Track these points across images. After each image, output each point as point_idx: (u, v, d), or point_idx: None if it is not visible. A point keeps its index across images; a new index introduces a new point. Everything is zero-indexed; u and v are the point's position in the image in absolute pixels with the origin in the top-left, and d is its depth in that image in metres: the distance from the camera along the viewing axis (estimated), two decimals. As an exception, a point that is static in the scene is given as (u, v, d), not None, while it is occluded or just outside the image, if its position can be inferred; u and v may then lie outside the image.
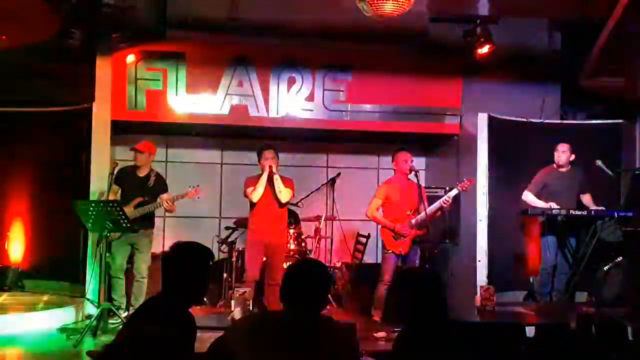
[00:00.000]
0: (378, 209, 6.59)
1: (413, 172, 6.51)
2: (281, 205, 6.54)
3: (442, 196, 6.59)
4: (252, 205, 6.56)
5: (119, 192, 6.70)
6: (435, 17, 7.57)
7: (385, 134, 8.10)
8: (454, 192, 6.52)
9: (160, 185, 6.73)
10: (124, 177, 6.68)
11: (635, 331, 4.33)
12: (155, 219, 6.97)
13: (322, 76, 7.83)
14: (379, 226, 6.67)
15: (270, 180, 6.49)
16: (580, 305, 6.96)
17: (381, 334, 6.12)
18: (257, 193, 6.46)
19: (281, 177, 6.52)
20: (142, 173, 6.71)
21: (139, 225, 6.48)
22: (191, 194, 6.61)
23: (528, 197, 7.19)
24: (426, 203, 6.51)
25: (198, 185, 6.65)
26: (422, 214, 6.42)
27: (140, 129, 7.74)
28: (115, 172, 6.59)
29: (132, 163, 6.77)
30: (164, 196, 6.61)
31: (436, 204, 6.46)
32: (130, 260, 6.73)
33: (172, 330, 2.78)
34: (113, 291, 6.61)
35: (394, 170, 6.67)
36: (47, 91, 7.64)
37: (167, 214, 8.00)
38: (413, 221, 6.45)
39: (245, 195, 6.55)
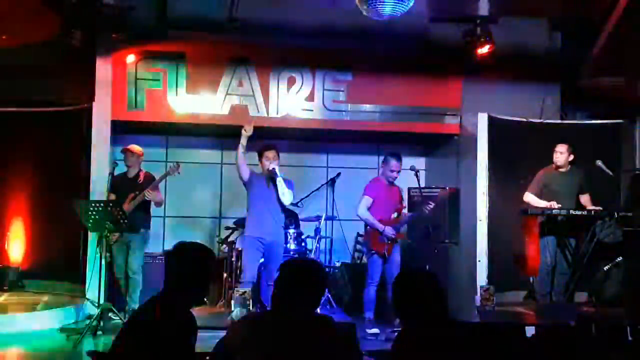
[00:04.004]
0: (369, 208, 6.62)
1: (414, 172, 6.70)
2: (279, 205, 6.55)
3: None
4: (250, 204, 6.57)
5: (115, 198, 6.74)
6: (435, 17, 7.57)
7: (385, 134, 8.10)
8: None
9: (151, 182, 6.78)
10: (117, 184, 6.77)
11: (635, 331, 4.33)
12: (155, 219, 6.96)
13: (322, 76, 7.82)
14: (368, 228, 6.69)
15: (272, 181, 6.50)
16: (580, 305, 6.96)
17: (374, 330, 6.19)
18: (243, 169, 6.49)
19: (283, 179, 6.52)
20: (131, 174, 6.86)
21: (137, 224, 6.58)
22: (172, 170, 6.69)
23: (529, 197, 7.17)
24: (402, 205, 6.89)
25: (177, 163, 6.74)
26: (402, 216, 6.74)
27: (140, 129, 7.74)
28: (109, 179, 6.69)
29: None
30: (149, 188, 6.67)
31: (407, 217, 6.91)
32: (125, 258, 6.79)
33: (173, 329, 2.79)
34: (125, 291, 6.72)
35: (384, 171, 6.78)
36: (47, 91, 7.65)
37: (167, 213, 8.00)
38: (399, 226, 6.66)
39: (241, 177, 6.56)
